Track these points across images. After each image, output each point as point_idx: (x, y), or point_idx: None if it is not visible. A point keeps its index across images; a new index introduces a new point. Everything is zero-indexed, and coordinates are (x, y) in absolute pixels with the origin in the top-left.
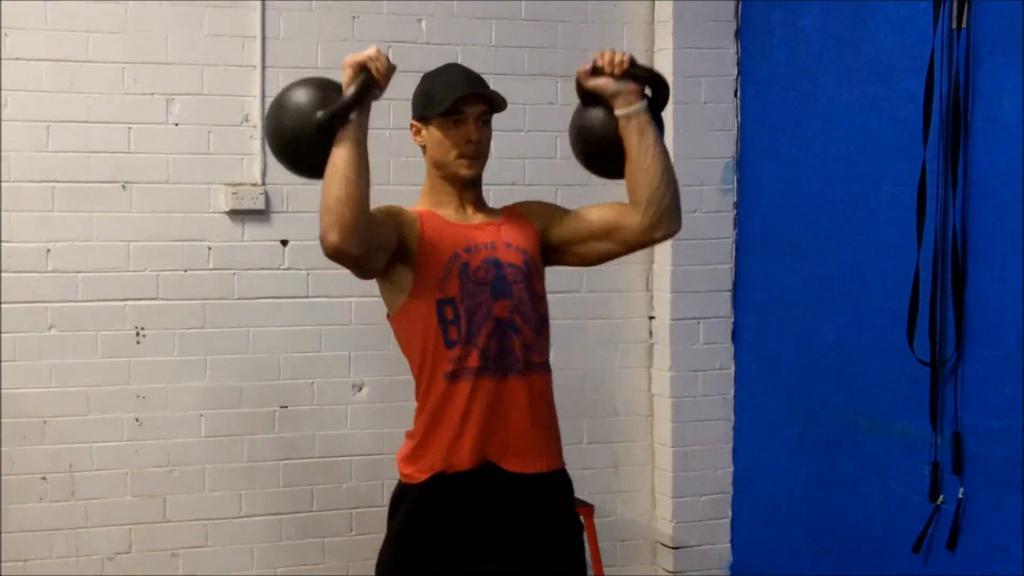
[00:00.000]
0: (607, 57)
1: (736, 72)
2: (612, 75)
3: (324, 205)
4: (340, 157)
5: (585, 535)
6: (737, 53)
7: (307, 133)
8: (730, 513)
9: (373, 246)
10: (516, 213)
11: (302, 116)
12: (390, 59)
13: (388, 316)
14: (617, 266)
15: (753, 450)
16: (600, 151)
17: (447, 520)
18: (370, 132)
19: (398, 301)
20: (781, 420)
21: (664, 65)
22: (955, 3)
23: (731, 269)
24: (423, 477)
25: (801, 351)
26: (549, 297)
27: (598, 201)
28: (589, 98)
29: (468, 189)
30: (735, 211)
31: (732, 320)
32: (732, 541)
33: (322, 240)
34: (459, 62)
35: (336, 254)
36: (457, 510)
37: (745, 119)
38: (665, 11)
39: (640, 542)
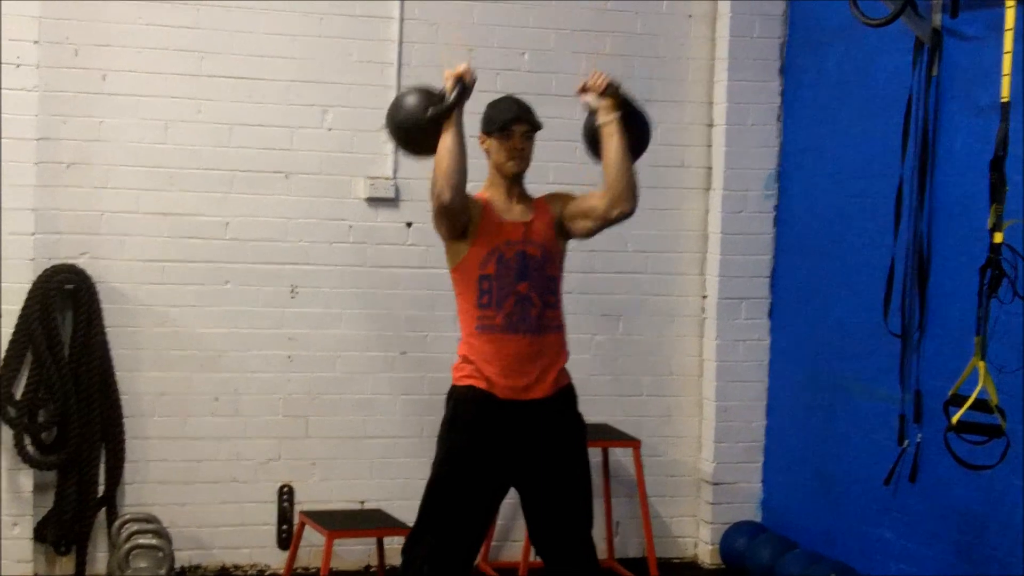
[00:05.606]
0: (592, 79)
1: (780, 101)
2: (594, 93)
3: (439, 174)
4: (450, 141)
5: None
6: (780, 85)
7: (420, 126)
8: (762, 458)
9: (464, 206)
10: (543, 206)
11: (414, 114)
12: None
13: (450, 270)
14: (677, 254)
15: (782, 407)
16: (591, 145)
17: (482, 414)
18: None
19: (456, 262)
20: (803, 383)
21: (720, 94)
22: (928, 55)
23: (770, 259)
24: (467, 383)
25: (817, 328)
26: (621, 277)
27: None
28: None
29: (514, 184)
30: (774, 212)
31: (769, 301)
32: (763, 480)
33: (437, 198)
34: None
35: (446, 208)
36: (489, 408)
37: (785, 139)
38: (722, 50)
39: (687, 478)
